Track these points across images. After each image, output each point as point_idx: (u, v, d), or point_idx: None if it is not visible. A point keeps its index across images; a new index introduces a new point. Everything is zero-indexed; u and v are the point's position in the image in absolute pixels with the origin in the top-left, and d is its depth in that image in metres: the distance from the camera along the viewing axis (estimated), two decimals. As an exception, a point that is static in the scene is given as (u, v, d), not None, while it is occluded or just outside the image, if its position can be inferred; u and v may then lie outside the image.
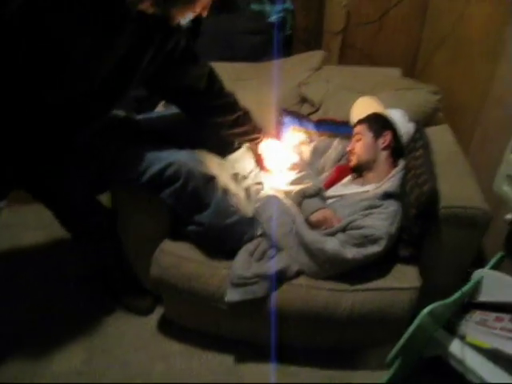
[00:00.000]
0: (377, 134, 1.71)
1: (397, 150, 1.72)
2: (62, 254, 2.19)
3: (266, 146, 1.76)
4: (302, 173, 1.72)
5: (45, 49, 1.14)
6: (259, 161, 1.79)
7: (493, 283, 1.53)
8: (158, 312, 1.89)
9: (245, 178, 1.74)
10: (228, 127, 1.69)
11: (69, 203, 1.64)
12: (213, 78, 1.62)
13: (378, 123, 1.73)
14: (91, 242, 1.79)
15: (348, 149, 1.74)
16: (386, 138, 1.70)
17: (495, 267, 1.62)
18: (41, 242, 2.27)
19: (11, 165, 1.35)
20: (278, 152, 1.77)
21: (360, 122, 1.76)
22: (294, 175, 1.71)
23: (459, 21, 2.11)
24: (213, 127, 1.70)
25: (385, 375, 1.52)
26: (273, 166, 1.77)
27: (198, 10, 1.29)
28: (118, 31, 1.23)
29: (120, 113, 1.73)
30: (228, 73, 2.01)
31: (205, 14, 1.33)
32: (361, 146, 1.72)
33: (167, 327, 1.83)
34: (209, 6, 1.32)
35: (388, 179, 1.64)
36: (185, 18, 1.33)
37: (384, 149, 1.70)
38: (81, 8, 1.12)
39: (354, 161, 1.74)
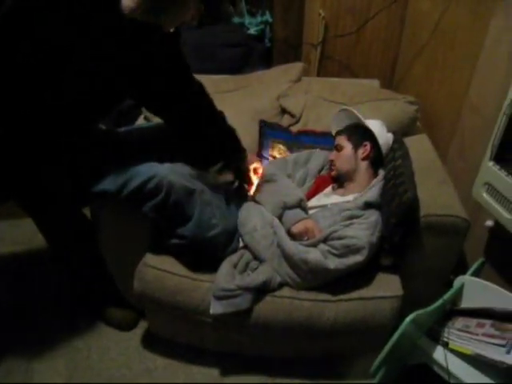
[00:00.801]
0: (356, 145, 1.73)
1: (376, 160, 1.74)
2: (41, 269, 2.16)
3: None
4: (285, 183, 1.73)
5: (40, 50, 1.14)
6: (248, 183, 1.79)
7: (474, 289, 1.55)
8: (142, 326, 1.87)
9: (224, 191, 1.74)
10: (213, 144, 1.70)
11: (51, 211, 1.61)
12: (203, 90, 1.63)
13: (357, 134, 1.75)
14: (71, 253, 1.77)
15: (329, 159, 1.75)
16: (366, 148, 1.72)
17: (476, 273, 1.65)
18: (19, 257, 2.23)
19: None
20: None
21: (339, 132, 1.78)
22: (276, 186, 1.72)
23: (435, 32, 2.16)
24: (197, 142, 1.71)
25: (367, 384, 1.53)
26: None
27: (188, 18, 1.30)
28: (112, 36, 1.23)
29: (100, 126, 1.72)
30: (208, 85, 2.01)
31: (195, 22, 1.34)
32: (341, 156, 1.74)
33: (151, 341, 1.82)
34: (199, 14, 1.33)
35: (368, 189, 1.66)
36: (175, 26, 1.34)
37: (363, 159, 1.72)
38: (73, 10, 1.14)
39: (334, 171, 1.76)
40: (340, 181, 1.76)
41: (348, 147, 1.73)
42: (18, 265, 2.20)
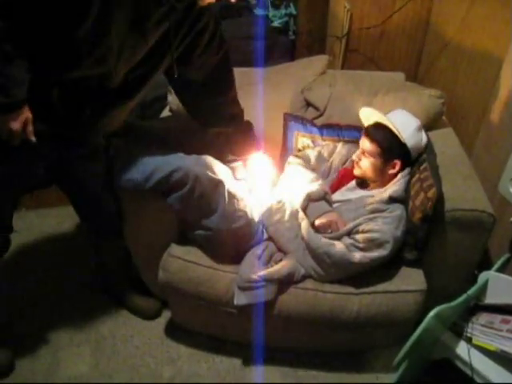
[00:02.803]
0: (386, 160, 1.66)
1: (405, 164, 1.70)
2: (67, 259, 2.21)
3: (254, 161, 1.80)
4: (309, 176, 1.73)
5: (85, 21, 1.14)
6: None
7: (499, 285, 1.54)
8: (166, 316, 1.90)
9: (248, 183, 1.75)
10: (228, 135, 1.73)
11: (88, 191, 1.64)
12: (232, 79, 1.68)
13: (391, 151, 1.65)
14: (102, 237, 1.80)
15: (354, 158, 1.72)
16: (396, 166, 1.66)
17: (501, 269, 1.63)
18: (46, 248, 2.29)
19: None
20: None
21: (373, 140, 1.66)
22: (300, 179, 1.72)
23: (462, 24, 2.12)
24: (215, 133, 1.74)
25: (391, 378, 1.53)
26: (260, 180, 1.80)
27: None
28: (156, 7, 1.24)
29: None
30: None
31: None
32: (369, 165, 1.67)
33: (175, 331, 1.85)
34: None
35: (393, 183, 1.65)
36: None
37: (390, 173, 1.68)
38: None
39: (358, 173, 1.72)
40: (363, 179, 1.76)
41: (378, 161, 1.66)
42: (44, 254, 2.25)
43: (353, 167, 1.75)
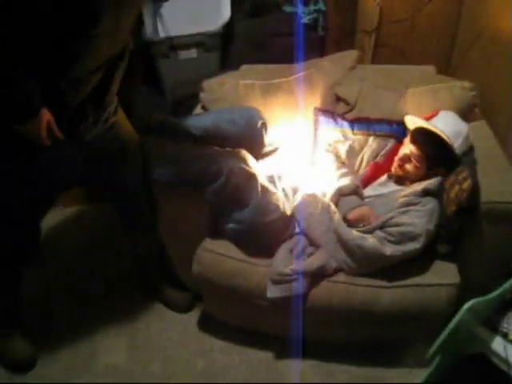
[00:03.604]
0: (430, 167, 1.66)
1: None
2: (104, 253, 2.28)
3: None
4: (340, 171, 1.73)
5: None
6: None
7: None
8: (199, 309, 1.94)
9: (280, 178, 1.77)
10: None
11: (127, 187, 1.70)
12: None
13: (438, 160, 1.65)
14: (139, 231, 1.85)
15: (396, 160, 1.70)
16: (438, 172, 1.65)
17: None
18: (81, 243, 2.35)
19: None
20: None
21: (422, 148, 1.64)
22: (332, 173, 1.73)
23: (494, 17, 2.09)
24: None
25: (423, 373, 1.52)
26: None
27: None
28: None
29: (163, 115, 1.78)
30: (262, 74, 2.05)
31: None
32: (412, 170, 1.67)
33: (208, 324, 1.88)
34: None
35: (426, 179, 1.64)
36: None
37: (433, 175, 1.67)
38: None
39: (399, 173, 1.71)
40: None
41: (422, 167, 1.66)
42: (81, 248, 2.33)
43: (388, 163, 1.74)
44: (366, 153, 1.84)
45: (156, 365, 1.77)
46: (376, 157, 1.83)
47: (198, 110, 2.06)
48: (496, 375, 1.48)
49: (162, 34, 2.69)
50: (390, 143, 1.82)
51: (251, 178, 1.55)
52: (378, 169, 1.78)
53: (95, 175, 1.64)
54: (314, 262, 1.53)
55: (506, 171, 1.60)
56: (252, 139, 1.77)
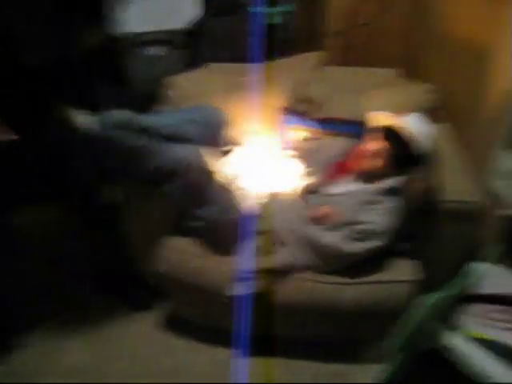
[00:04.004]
0: (396, 166, 1.69)
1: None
2: (67, 251, 2.22)
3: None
4: (306, 169, 1.75)
5: None
6: None
7: (492, 276, 1.56)
8: (163, 308, 1.92)
9: (242, 177, 1.77)
10: None
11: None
12: None
13: (404, 158, 1.68)
14: (99, 229, 1.83)
15: (364, 155, 1.72)
16: (402, 171, 1.68)
17: (494, 260, 1.66)
18: (43, 240, 2.30)
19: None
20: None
21: (390, 145, 1.68)
22: (297, 172, 1.75)
23: (455, 20, 2.15)
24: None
25: (383, 368, 1.55)
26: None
27: None
28: None
29: (124, 113, 1.76)
30: (229, 72, 2.05)
31: None
32: (378, 167, 1.69)
33: (172, 323, 1.87)
34: None
35: (390, 177, 1.67)
36: None
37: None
38: None
39: (365, 169, 1.73)
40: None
41: (389, 163, 1.69)
42: (43, 247, 2.27)
43: (353, 162, 1.77)
44: (333, 152, 1.87)
45: (122, 361, 1.74)
46: (341, 156, 1.85)
47: (164, 107, 2.04)
48: (451, 370, 1.52)
49: (129, 30, 2.66)
50: (355, 143, 1.85)
51: (211, 175, 1.55)
52: (343, 167, 1.81)
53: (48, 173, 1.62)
54: (279, 259, 1.54)
55: (464, 172, 1.66)
56: (213, 138, 1.77)
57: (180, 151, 1.55)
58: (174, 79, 2.03)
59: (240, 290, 1.53)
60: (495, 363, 1.44)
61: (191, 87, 1.99)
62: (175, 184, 1.52)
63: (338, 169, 1.82)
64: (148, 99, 2.17)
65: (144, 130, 1.71)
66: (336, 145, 1.88)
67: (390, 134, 1.69)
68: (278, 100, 1.99)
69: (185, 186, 1.53)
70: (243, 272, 1.53)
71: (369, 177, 1.74)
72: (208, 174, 1.56)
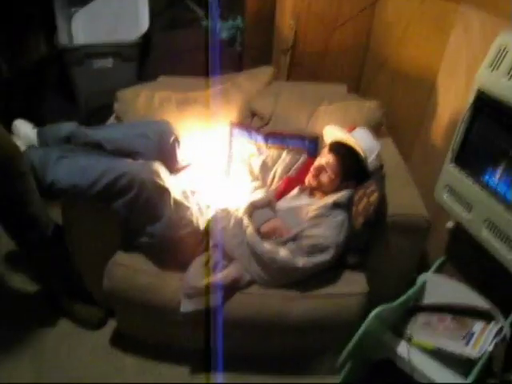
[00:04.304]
0: (344, 180, 1.72)
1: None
2: (7, 268, 2.12)
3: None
4: (254, 183, 1.76)
5: None
6: None
7: (436, 286, 1.63)
8: (110, 325, 1.86)
9: (193, 193, 1.76)
10: None
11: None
12: None
13: (351, 172, 1.71)
14: (36, 252, 1.75)
15: (311, 170, 1.74)
16: (349, 185, 1.70)
17: (438, 271, 1.72)
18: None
19: None
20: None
21: (338, 158, 1.70)
22: (246, 186, 1.75)
23: (398, 44, 2.24)
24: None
25: (336, 379, 1.56)
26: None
27: None
28: None
29: (72, 125, 1.72)
30: (179, 86, 2.04)
31: None
32: (326, 180, 1.71)
33: (120, 341, 1.81)
34: None
35: (337, 191, 1.70)
36: None
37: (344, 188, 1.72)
38: None
39: (314, 185, 1.75)
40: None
41: (336, 178, 1.71)
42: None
43: (300, 176, 1.79)
44: (280, 167, 1.89)
45: (66, 386, 1.67)
46: (289, 171, 1.88)
47: (111, 120, 2.01)
48: (401, 379, 1.56)
49: (76, 42, 2.60)
50: (303, 158, 1.88)
51: (164, 191, 1.53)
52: (291, 182, 1.83)
53: None
54: (228, 274, 1.53)
55: (409, 186, 1.71)
56: (165, 154, 1.75)
57: (132, 166, 1.52)
58: (122, 92, 1.98)
59: (190, 306, 1.50)
60: (437, 369, 1.50)
61: (140, 101, 1.96)
62: (127, 200, 1.48)
63: (287, 184, 1.84)
64: (96, 112, 2.13)
65: (94, 144, 1.67)
66: (284, 160, 1.89)
67: (338, 148, 1.72)
68: (227, 114, 1.99)
69: (137, 202, 1.49)
70: (193, 288, 1.50)
71: (317, 191, 1.77)
72: (161, 190, 1.53)
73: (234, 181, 1.82)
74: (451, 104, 1.85)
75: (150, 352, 1.76)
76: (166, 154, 1.77)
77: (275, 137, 1.92)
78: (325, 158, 1.72)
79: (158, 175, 1.54)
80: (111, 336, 1.83)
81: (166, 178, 1.59)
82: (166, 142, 1.78)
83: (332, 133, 1.78)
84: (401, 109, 2.26)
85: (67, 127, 1.72)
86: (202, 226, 1.63)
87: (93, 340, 1.82)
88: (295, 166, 1.87)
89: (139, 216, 1.53)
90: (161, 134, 1.77)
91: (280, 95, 2.01)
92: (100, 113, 2.16)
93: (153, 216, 1.53)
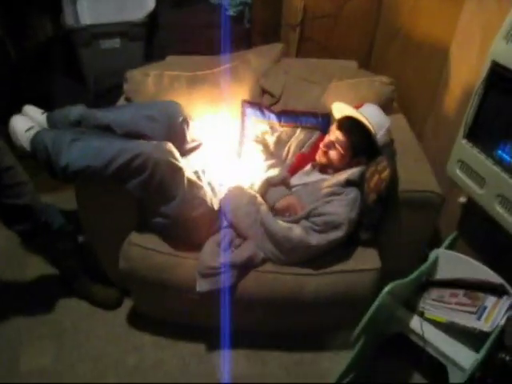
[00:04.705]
0: (354, 156, 1.71)
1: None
2: (26, 252, 2.16)
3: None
4: (268, 162, 1.76)
5: None
6: None
7: (448, 261, 1.63)
8: (128, 305, 1.90)
9: (205, 172, 1.77)
10: None
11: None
12: None
13: (361, 148, 1.69)
14: (38, 240, 1.78)
15: (321, 147, 1.74)
16: (360, 162, 1.70)
17: (450, 247, 1.73)
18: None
19: None
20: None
21: (347, 134, 1.68)
22: (259, 165, 1.75)
23: (410, 14, 2.20)
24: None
25: (350, 355, 1.59)
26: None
27: None
28: None
29: (80, 109, 1.72)
30: (188, 65, 2.03)
31: None
32: (336, 157, 1.70)
33: (137, 320, 1.85)
34: None
35: (349, 168, 1.70)
36: None
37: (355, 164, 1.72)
38: None
39: (323, 162, 1.74)
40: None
41: (346, 154, 1.69)
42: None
43: (313, 153, 1.79)
44: (293, 144, 1.89)
45: (85, 365, 1.71)
46: (302, 148, 1.87)
47: (121, 101, 2.00)
48: (414, 353, 1.58)
49: (82, 22, 2.59)
50: (316, 135, 1.88)
51: (178, 170, 1.54)
52: (304, 159, 1.83)
53: None
54: (242, 253, 1.55)
55: (421, 162, 1.71)
56: (173, 136, 1.74)
57: (146, 146, 1.52)
58: (131, 73, 1.97)
59: (206, 285, 1.53)
60: (449, 342, 1.52)
61: (150, 81, 1.95)
62: (142, 180, 1.49)
63: (300, 160, 1.84)
64: (105, 93, 2.13)
65: (102, 127, 1.67)
66: (298, 137, 1.89)
67: (346, 124, 1.71)
68: (238, 93, 1.98)
69: (151, 183, 1.50)
70: (208, 268, 1.52)
71: (328, 169, 1.77)
72: (175, 170, 1.53)
73: (247, 159, 1.82)
74: (464, 77, 1.81)
75: (166, 330, 1.80)
76: (175, 136, 1.76)
77: (288, 115, 1.91)
78: (333, 135, 1.71)
79: (172, 155, 1.54)
80: (128, 315, 1.87)
81: (180, 158, 1.59)
82: (175, 123, 1.77)
83: (340, 109, 1.77)
84: (412, 84, 2.23)
85: (76, 111, 1.72)
86: (215, 205, 1.65)
87: (111, 320, 1.87)
88: (308, 143, 1.87)
89: (153, 196, 1.54)
90: (169, 115, 1.77)
91: (290, 72, 1.99)
92: (109, 94, 2.16)
93: (167, 196, 1.54)
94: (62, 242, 1.82)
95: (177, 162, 1.53)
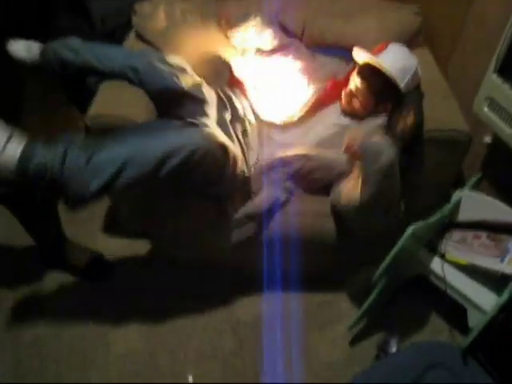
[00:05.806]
0: (379, 103, 1.65)
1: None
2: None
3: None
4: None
5: None
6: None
7: (471, 203, 1.60)
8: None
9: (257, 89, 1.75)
10: None
11: None
12: None
13: (384, 95, 1.63)
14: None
15: (344, 94, 1.68)
16: (386, 107, 1.65)
17: (473, 188, 1.69)
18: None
19: None
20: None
21: (368, 82, 1.62)
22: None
23: None
24: None
25: (369, 296, 1.60)
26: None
27: None
28: None
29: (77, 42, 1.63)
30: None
31: None
32: (359, 105, 1.66)
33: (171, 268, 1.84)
34: None
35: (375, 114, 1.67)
36: None
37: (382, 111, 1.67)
38: None
39: (348, 110, 1.70)
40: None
41: (370, 101, 1.64)
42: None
43: (345, 82, 1.71)
44: (328, 66, 1.82)
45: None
46: (336, 74, 1.79)
47: (131, 37, 1.89)
48: (434, 294, 1.58)
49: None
50: (350, 65, 1.77)
51: (225, 150, 1.43)
52: (336, 86, 1.75)
53: None
54: (261, 201, 1.55)
55: (448, 99, 1.64)
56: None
57: (192, 135, 1.37)
58: (140, 5, 1.84)
59: (235, 237, 1.57)
60: (470, 284, 1.52)
61: (160, 14, 1.82)
62: (192, 177, 1.39)
63: (332, 86, 1.76)
64: (113, 31, 2.02)
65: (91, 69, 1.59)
66: (331, 62, 1.83)
67: (365, 71, 1.63)
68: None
69: (205, 172, 1.41)
70: (234, 220, 1.55)
71: (354, 116, 1.71)
72: (223, 150, 1.42)
73: (293, 82, 1.77)
74: (496, 7, 1.70)
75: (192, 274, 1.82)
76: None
77: (320, 48, 1.84)
78: (353, 83, 1.65)
79: (215, 136, 1.41)
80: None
81: (220, 134, 1.49)
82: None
83: (359, 55, 1.67)
84: (438, 14, 2.09)
85: (72, 42, 1.64)
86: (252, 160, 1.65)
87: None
88: (342, 71, 1.78)
89: (204, 184, 1.48)
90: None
91: (311, 5, 1.88)
92: (117, 32, 2.06)
93: (218, 180, 1.48)
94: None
95: (223, 140, 1.43)
